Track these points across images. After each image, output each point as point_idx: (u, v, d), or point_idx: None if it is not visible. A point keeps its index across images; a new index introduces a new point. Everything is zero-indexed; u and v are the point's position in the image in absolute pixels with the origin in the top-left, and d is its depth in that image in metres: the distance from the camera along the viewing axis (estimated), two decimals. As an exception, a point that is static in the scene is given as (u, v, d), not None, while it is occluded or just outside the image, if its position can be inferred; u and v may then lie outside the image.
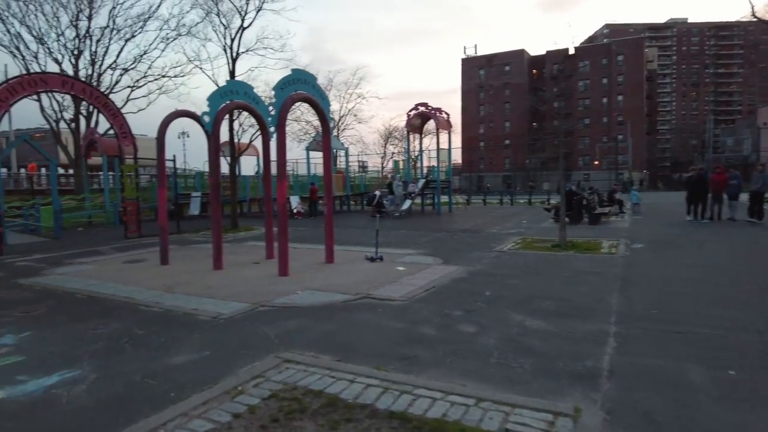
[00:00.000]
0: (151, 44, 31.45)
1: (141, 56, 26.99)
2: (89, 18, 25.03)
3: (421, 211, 25.01)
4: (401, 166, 28.25)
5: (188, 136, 56.58)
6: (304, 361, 4.33)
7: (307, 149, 26.98)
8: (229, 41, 17.60)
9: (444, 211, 24.49)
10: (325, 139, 10.22)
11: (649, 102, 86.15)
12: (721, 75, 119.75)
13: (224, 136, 14.49)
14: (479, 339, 4.89)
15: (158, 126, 10.07)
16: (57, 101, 24.95)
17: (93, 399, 3.72)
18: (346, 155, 29.38)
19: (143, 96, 28.51)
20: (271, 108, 9.00)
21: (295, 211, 22.49)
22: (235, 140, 18.09)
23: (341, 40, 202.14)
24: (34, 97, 22.38)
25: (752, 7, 51.73)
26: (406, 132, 26.15)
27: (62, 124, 25.71)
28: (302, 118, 39.08)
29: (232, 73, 17.54)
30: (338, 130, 44.43)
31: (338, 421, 3.19)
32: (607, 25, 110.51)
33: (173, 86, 34.23)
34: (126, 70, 26.87)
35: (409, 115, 23.92)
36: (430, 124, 27.22)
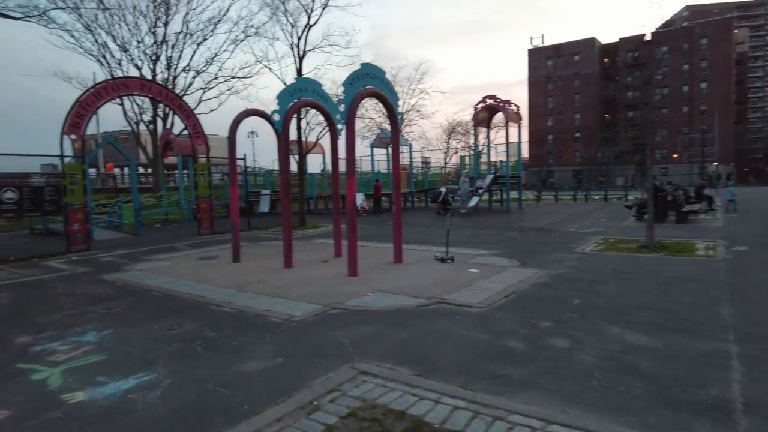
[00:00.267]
0: (221, 46, 32.67)
1: (212, 58, 28.00)
2: (165, 25, 26.32)
3: (489, 208, 24.12)
4: (467, 162, 27.43)
5: (257, 136, 58.42)
6: (381, 374, 4.02)
7: (372, 146, 26.92)
8: (296, 39, 17.81)
9: (513, 207, 23.45)
10: (394, 136, 9.87)
11: (738, 88, 78.83)
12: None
13: (292, 134, 14.59)
14: (575, 356, 4.36)
15: (229, 125, 10.17)
16: (137, 104, 26.50)
17: (167, 407, 3.60)
18: (410, 151, 28.99)
19: (214, 97, 29.68)
20: (341, 105, 8.80)
21: (359, 208, 22.46)
22: (303, 138, 18.26)
23: (402, 36, 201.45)
24: (117, 101, 23.81)
25: None
26: (472, 126, 25.33)
27: (142, 126, 27.27)
28: (366, 115, 39.11)
29: (299, 71, 17.69)
30: (401, 126, 44.11)
31: (426, 452, 2.84)
32: (687, 7, 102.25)
33: (242, 86, 35.47)
34: (198, 72, 27.98)
35: (476, 109, 23.12)
36: (497, 118, 26.24)
